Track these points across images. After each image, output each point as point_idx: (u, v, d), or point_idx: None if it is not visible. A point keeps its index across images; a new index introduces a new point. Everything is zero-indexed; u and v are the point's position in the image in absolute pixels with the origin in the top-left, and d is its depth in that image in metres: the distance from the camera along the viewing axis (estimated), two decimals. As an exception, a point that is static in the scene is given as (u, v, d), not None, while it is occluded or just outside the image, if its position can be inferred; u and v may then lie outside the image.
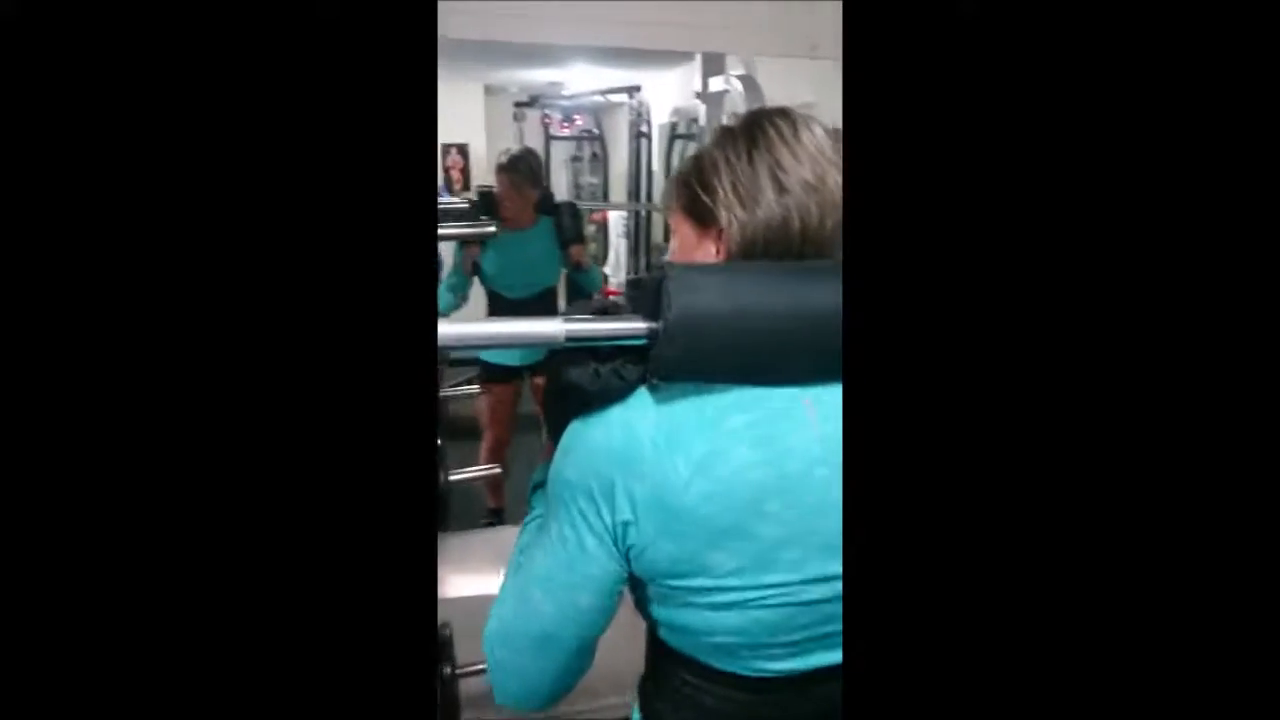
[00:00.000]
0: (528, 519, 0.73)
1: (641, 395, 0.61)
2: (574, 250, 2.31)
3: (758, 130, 0.65)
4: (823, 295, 0.57)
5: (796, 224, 0.62)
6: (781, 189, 0.63)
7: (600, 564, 0.61)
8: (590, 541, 0.60)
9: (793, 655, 0.65)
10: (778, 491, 0.59)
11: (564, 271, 2.43)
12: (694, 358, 0.58)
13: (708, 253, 0.67)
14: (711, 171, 0.66)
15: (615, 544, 0.60)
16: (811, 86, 1.70)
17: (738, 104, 1.67)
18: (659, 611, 0.65)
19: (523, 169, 2.26)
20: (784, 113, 0.66)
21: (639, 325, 0.60)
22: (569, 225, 2.29)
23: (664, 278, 0.57)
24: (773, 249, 0.64)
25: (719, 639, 0.64)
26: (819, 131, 0.65)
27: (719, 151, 0.66)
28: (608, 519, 0.59)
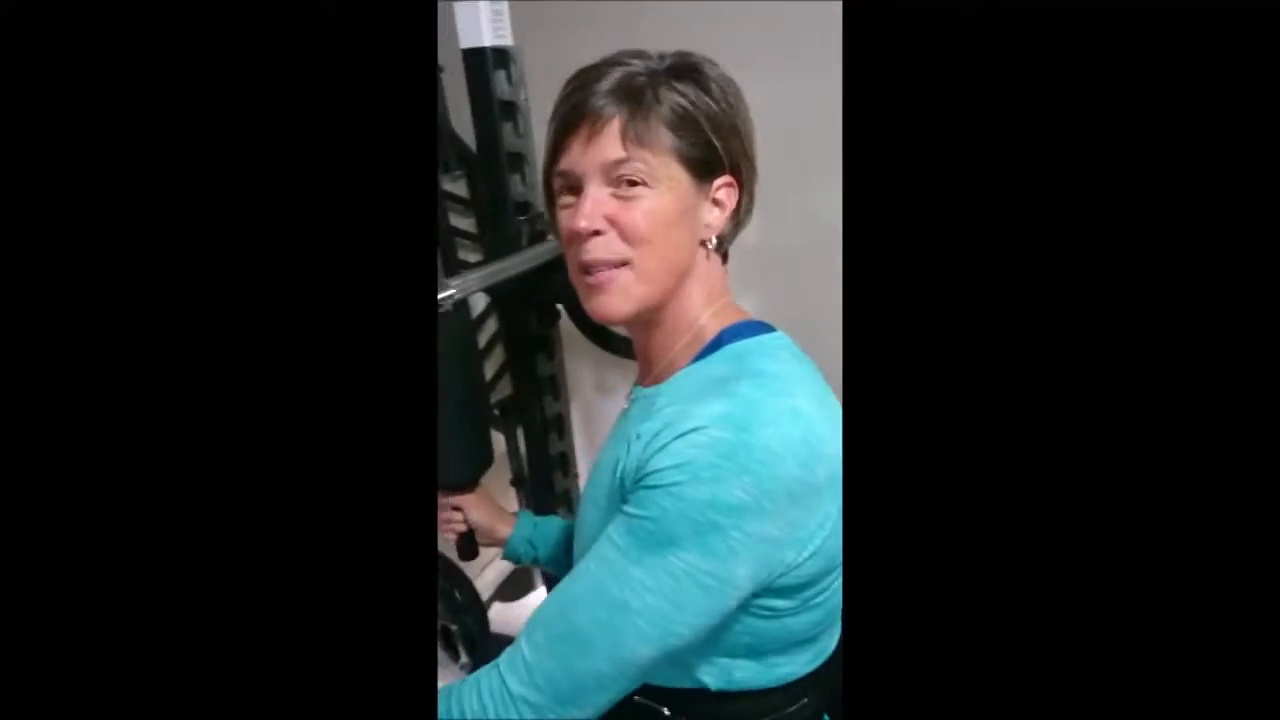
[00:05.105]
0: None
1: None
2: None
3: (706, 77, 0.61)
4: None
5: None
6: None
7: None
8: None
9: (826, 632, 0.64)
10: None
11: None
12: None
13: (711, 212, 0.62)
14: (721, 111, 0.60)
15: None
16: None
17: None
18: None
19: None
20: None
21: None
22: None
23: None
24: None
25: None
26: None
27: (696, 88, 0.60)
28: None
